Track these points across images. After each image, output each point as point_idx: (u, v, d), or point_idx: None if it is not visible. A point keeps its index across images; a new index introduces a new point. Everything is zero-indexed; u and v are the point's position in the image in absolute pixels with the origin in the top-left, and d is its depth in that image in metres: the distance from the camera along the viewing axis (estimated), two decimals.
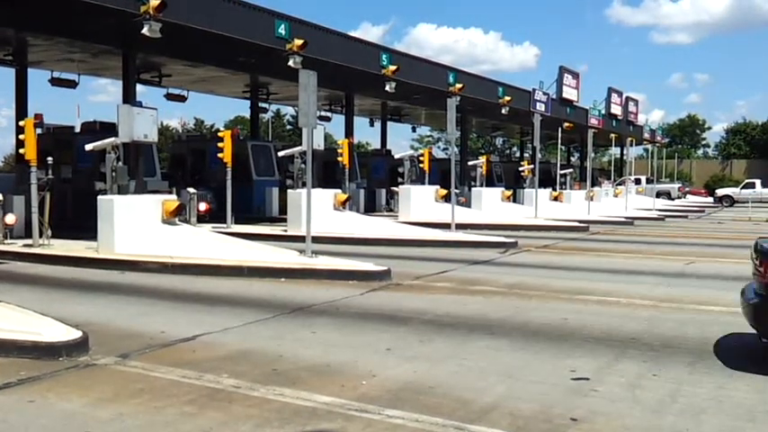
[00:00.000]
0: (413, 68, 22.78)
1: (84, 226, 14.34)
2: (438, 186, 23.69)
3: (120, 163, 13.91)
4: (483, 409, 4.89)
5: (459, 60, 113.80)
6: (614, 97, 39.87)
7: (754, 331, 6.14)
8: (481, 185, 27.66)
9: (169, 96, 23.99)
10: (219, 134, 20.11)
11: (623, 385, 5.45)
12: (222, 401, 5.06)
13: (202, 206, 19.12)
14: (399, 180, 24.81)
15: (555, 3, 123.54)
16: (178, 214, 13.54)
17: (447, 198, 21.67)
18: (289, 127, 66.46)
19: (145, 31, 13.59)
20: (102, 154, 13.97)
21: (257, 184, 23.81)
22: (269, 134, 53.34)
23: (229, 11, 15.96)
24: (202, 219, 18.75)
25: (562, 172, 31.53)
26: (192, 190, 18.56)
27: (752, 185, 43.63)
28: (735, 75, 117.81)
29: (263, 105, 29.33)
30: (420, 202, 22.91)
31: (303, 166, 17.73)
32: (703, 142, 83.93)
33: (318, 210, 15.91)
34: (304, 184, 15.28)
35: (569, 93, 34.05)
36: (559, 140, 29.91)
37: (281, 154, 22.01)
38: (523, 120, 30.25)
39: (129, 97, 15.57)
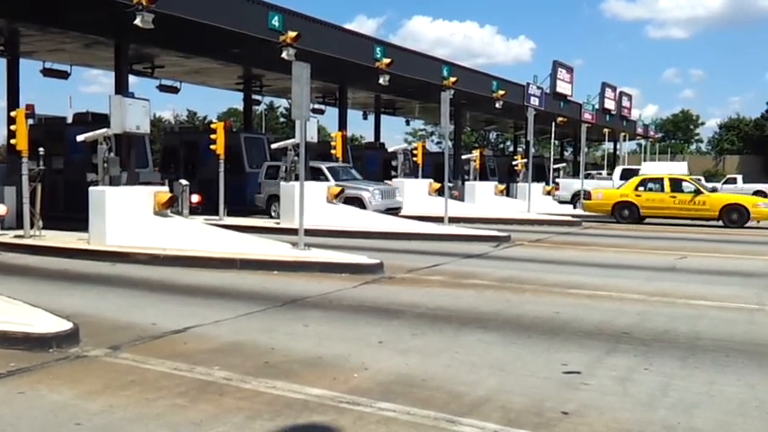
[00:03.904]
0: (407, 61, 22.72)
1: (76, 217, 14.27)
2: (431, 180, 23.72)
3: (112, 154, 13.85)
4: (475, 403, 4.89)
5: (454, 53, 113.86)
6: (608, 92, 39.87)
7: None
8: (474, 179, 27.68)
9: (162, 87, 23.90)
10: (212, 126, 20.04)
11: (615, 379, 5.46)
12: (213, 394, 5.04)
13: (195, 198, 19.05)
14: (393, 173, 24.80)
15: None
16: (170, 206, 13.50)
17: (440, 192, 21.69)
18: (282, 119, 66.29)
19: (137, 21, 13.50)
20: (94, 145, 13.90)
21: (250, 177, 23.74)
22: (262, 126, 53.22)
23: (223, 2, 15.87)
24: (195, 211, 18.69)
25: (555, 166, 31.58)
26: (184, 182, 18.49)
27: (733, 181, 43.76)
28: (729, 70, 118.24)
29: (257, 97, 29.23)
30: (413, 195, 22.94)
31: (296, 158, 17.68)
32: (696, 138, 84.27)
33: (311, 202, 15.88)
34: (297, 177, 15.23)
35: (563, 87, 34.04)
36: (553, 135, 29.94)
37: (274, 146, 21.95)
38: (517, 114, 30.26)
39: (121, 88, 15.48)
